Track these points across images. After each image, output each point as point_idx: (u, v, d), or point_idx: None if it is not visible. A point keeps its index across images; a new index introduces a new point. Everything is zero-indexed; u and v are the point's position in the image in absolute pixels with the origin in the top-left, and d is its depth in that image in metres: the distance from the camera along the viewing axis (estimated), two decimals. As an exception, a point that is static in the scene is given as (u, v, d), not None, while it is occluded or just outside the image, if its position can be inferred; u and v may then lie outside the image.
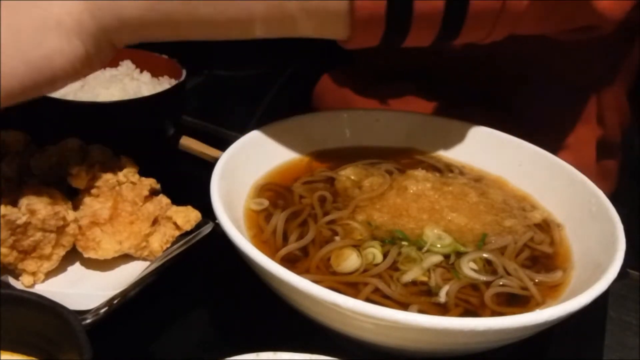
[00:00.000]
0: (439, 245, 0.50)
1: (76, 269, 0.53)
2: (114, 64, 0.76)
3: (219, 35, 0.49)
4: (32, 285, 0.50)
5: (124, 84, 0.72)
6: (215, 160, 0.53)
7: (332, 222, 0.53)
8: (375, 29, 0.48)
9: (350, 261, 0.47)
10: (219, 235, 0.45)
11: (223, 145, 0.55)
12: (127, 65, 0.76)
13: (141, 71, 0.76)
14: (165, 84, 0.74)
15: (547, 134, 0.72)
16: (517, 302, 0.46)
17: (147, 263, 0.54)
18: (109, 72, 0.75)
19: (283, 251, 0.49)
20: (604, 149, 0.80)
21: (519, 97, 0.76)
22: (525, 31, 0.53)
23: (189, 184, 0.65)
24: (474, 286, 0.47)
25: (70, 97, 0.69)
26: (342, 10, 0.47)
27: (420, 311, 0.43)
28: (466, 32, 0.49)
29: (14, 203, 0.49)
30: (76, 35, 0.45)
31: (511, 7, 0.48)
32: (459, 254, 0.49)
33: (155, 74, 0.76)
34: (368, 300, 0.43)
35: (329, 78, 0.90)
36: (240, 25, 0.48)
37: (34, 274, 0.50)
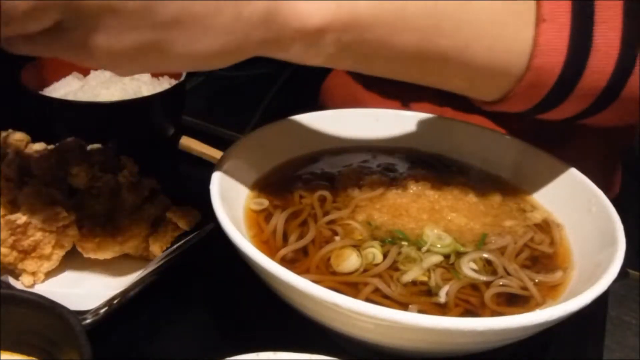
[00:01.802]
0: (439, 245, 0.50)
1: (76, 269, 0.53)
2: None
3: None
4: (32, 285, 0.50)
5: (124, 84, 0.72)
6: (215, 160, 0.53)
7: (332, 222, 0.52)
8: (528, 101, 0.49)
9: (350, 261, 0.47)
10: (219, 235, 0.45)
11: (223, 145, 0.55)
12: None
13: None
14: (165, 84, 0.74)
15: (550, 135, 0.72)
16: (517, 302, 0.46)
17: (147, 263, 0.54)
18: (109, 72, 0.75)
19: (283, 251, 0.49)
20: (609, 151, 0.80)
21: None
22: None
23: (189, 184, 0.65)
24: (474, 286, 0.47)
25: (70, 97, 0.69)
26: (511, 78, 0.47)
27: (420, 311, 0.43)
28: (606, 113, 0.49)
29: (14, 203, 0.49)
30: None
31: None
32: (459, 254, 0.49)
33: (156, 74, 0.76)
34: (368, 300, 0.43)
35: (338, 74, 0.90)
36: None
37: (34, 274, 0.50)
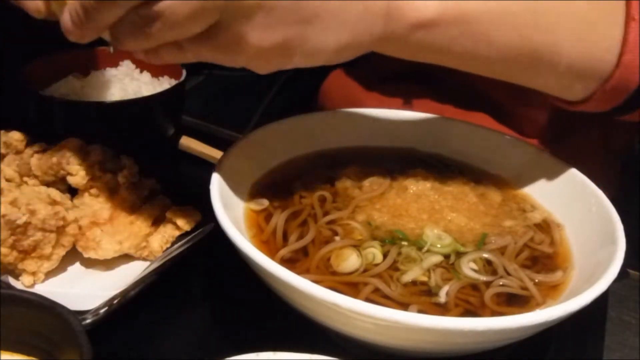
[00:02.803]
0: (439, 245, 0.50)
1: (76, 269, 0.53)
2: (114, 64, 0.76)
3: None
4: (32, 285, 0.50)
5: (124, 84, 0.72)
6: (215, 160, 0.53)
7: (332, 222, 0.52)
8: (612, 100, 0.49)
9: (350, 261, 0.47)
10: (219, 235, 0.45)
11: (223, 145, 0.55)
12: (127, 66, 0.76)
13: (141, 71, 0.76)
14: (165, 84, 0.74)
15: (550, 136, 0.72)
16: (517, 302, 0.46)
17: (147, 263, 0.54)
18: (109, 72, 0.75)
19: (283, 251, 0.49)
20: (609, 150, 0.80)
21: (522, 100, 0.75)
22: None
23: (189, 184, 0.65)
24: (474, 286, 0.47)
25: (70, 97, 0.69)
26: (600, 75, 0.47)
27: (420, 311, 0.43)
28: None
29: (14, 203, 0.49)
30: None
31: None
32: (459, 254, 0.49)
33: (155, 74, 0.76)
34: (368, 300, 0.43)
35: (337, 76, 0.90)
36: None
37: (34, 274, 0.50)
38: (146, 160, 0.58)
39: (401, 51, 0.46)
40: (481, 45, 0.46)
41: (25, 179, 0.56)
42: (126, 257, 0.54)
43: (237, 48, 0.40)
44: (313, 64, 0.44)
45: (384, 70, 0.83)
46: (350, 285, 0.46)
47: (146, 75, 0.75)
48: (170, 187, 0.60)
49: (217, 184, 0.49)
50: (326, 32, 0.42)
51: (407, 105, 0.78)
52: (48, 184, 0.55)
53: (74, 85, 0.71)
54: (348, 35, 0.43)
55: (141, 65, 0.76)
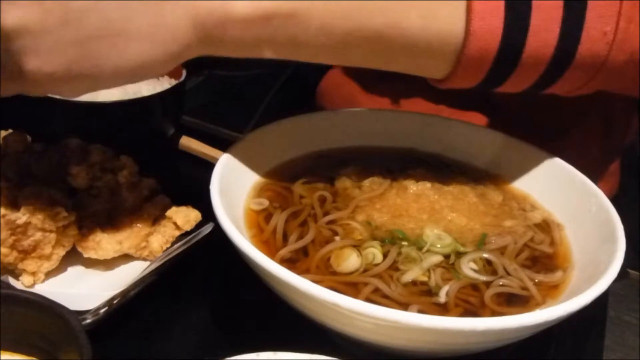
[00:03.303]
0: (439, 245, 0.50)
1: (76, 269, 0.53)
2: None
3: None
4: (32, 285, 0.50)
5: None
6: (215, 160, 0.53)
7: (332, 222, 0.52)
8: (476, 73, 0.47)
9: (350, 261, 0.47)
10: (219, 235, 0.45)
11: (223, 145, 0.55)
12: None
13: None
14: (165, 83, 0.74)
15: (550, 135, 0.72)
16: (517, 302, 0.46)
17: (147, 263, 0.54)
18: None
19: (283, 251, 0.49)
20: (608, 150, 0.80)
21: (520, 99, 0.75)
22: (616, 89, 0.52)
23: (189, 184, 0.65)
24: (474, 286, 0.47)
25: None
26: (452, 47, 0.45)
27: (420, 311, 0.43)
28: (562, 81, 0.48)
29: (14, 203, 0.49)
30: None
31: (613, 59, 0.46)
32: (459, 254, 0.49)
33: None
34: (368, 300, 0.43)
35: (334, 75, 0.90)
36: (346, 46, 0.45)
37: (34, 274, 0.50)
38: (146, 160, 0.58)
39: (232, 51, 0.44)
40: (321, 38, 0.44)
41: (25, 179, 0.56)
42: (126, 257, 0.54)
43: (24, 79, 0.38)
44: (127, 81, 0.42)
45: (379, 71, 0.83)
46: (350, 285, 0.46)
47: None
48: (170, 187, 0.60)
49: (217, 184, 0.49)
50: (117, 48, 0.39)
51: (401, 104, 0.78)
52: (48, 184, 0.55)
53: None
54: (146, 48, 0.40)
55: None
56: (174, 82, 0.73)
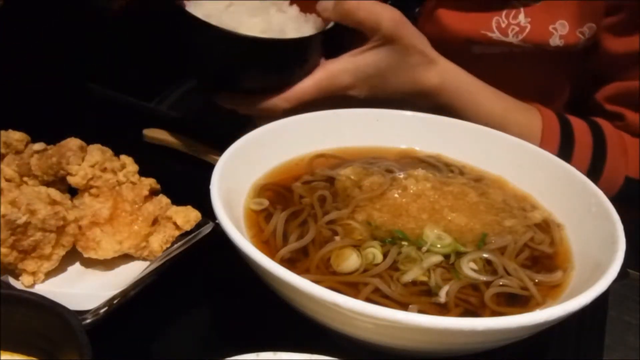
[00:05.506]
0: (439, 245, 0.50)
1: (76, 269, 0.53)
2: None
3: None
4: (32, 285, 0.50)
5: (269, 15, 0.66)
6: (182, 148, 0.51)
7: (332, 222, 0.52)
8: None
9: (350, 261, 0.47)
10: (219, 235, 0.45)
11: (223, 145, 0.55)
12: None
13: (290, 3, 0.69)
14: (310, 22, 0.68)
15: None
16: (517, 302, 0.46)
17: (147, 263, 0.54)
18: None
19: (283, 251, 0.49)
20: None
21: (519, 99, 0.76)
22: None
23: (189, 184, 0.65)
24: (474, 286, 0.47)
25: (213, 20, 0.63)
26: None
27: (420, 311, 0.43)
28: None
29: (14, 203, 0.49)
30: None
31: None
32: (459, 254, 0.49)
33: (304, 9, 0.69)
34: (368, 300, 0.43)
35: None
36: None
37: (34, 274, 0.50)
38: (146, 160, 0.58)
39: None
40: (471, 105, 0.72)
41: (25, 179, 0.56)
42: (126, 257, 0.54)
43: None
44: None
45: None
46: (350, 285, 0.46)
47: (294, 9, 0.69)
48: (170, 187, 0.60)
49: (217, 184, 0.49)
50: (388, 94, 0.71)
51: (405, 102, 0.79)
52: (48, 184, 0.55)
53: (219, 5, 0.65)
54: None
55: None
56: (319, 21, 0.68)
